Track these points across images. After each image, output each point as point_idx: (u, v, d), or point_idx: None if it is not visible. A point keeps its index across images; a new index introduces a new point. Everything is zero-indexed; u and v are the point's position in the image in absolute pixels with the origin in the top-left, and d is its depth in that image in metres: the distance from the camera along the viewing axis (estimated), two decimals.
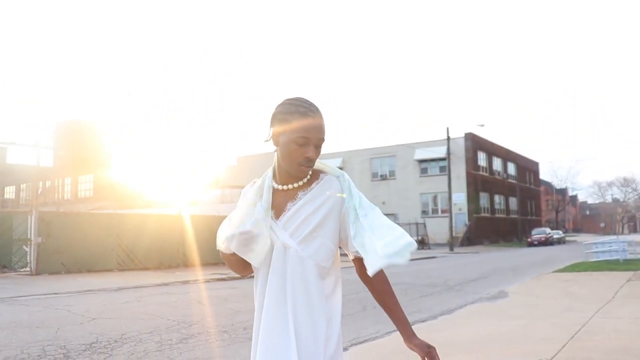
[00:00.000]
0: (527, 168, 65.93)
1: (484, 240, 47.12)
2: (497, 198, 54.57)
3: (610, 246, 19.55)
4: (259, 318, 1.83)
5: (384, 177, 49.85)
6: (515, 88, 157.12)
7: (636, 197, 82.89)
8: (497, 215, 54.10)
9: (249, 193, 1.92)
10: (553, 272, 15.96)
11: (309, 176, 1.85)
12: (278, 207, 1.83)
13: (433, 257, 27.54)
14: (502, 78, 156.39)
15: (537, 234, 48.82)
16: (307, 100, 1.83)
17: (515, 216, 58.51)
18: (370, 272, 1.74)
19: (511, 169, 59.77)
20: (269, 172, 1.89)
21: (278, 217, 1.82)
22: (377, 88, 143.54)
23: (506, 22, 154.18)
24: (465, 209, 46.92)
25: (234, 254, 1.83)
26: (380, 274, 1.79)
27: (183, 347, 6.42)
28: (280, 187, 1.85)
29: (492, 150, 54.21)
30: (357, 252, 1.80)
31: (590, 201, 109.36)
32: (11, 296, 11.15)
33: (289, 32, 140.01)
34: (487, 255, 30.12)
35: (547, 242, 46.86)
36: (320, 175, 1.86)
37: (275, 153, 1.86)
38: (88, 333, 7.20)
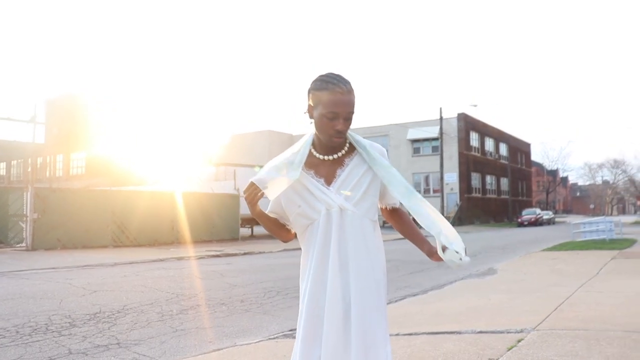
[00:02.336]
0: (519, 149, 66.35)
1: (475, 220, 47.62)
2: (488, 178, 55.02)
3: (598, 226, 19.91)
4: (316, 275, 2.00)
5: None
6: (508, 69, 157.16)
7: (625, 179, 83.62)
8: (488, 196, 54.59)
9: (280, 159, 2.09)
10: (541, 250, 16.32)
11: (348, 144, 2.07)
12: (327, 175, 2.04)
13: (425, 236, 27.90)
14: (495, 59, 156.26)
15: (527, 214, 49.38)
16: (338, 76, 1.99)
17: (506, 197, 59.06)
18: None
19: (503, 149, 60.15)
20: (307, 141, 2.09)
21: (330, 184, 2.02)
22: (370, 67, 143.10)
23: (499, 4, 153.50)
24: (457, 189, 47.34)
25: (268, 221, 2.13)
26: (406, 214, 2.16)
27: (184, 317, 6.68)
28: (324, 157, 2.05)
29: (485, 130, 54.50)
30: (394, 204, 2.14)
31: (580, 183, 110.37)
32: (11, 270, 11.37)
33: (282, 10, 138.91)
34: (477, 235, 30.53)
35: (537, 222, 47.43)
36: (356, 140, 2.09)
37: (312, 125, 2.05)
38: (91, 304, 7.45)
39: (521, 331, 5.22)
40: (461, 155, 48.17)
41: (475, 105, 44.44)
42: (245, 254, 16.66)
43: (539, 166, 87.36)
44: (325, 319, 1.95)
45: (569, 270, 10.61)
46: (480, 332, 5.31)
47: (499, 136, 58.96)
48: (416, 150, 49.55)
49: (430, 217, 2.02)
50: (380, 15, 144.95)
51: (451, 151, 47.43)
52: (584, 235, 19.90)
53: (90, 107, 42.37)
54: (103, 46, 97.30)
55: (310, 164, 2.05)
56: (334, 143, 2.02)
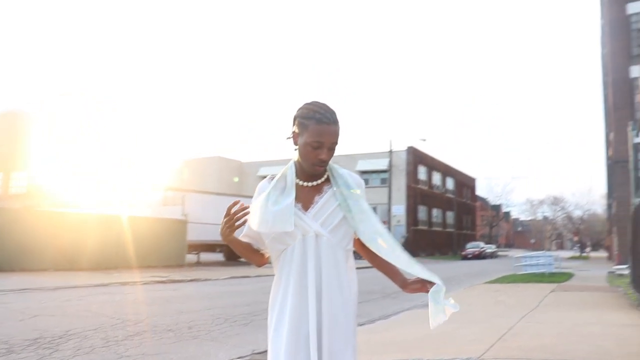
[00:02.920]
0: (465, 183, 68.15)
1: (420, 252, 48.34)
2: (435, 211, 56.16)
3: (538, 260, 20.60)
4: (285, 300, 2.00)
5: None
6: (457, 105, 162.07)
7: (564, 215, 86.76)
8: (434, 229, 55.64)
9: (267, 188, 2.09)
10: (484, 283, 16.75)
11: (327, 172, 2.10)
12: (305, 200, 2.04)
13: (369, 267, 28.09)
14: (445, 95, 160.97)
15: (471, 247, 50.52)
16: (324, 106, 2.03)
17: (452, 230, 60.33)
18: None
19: (449, 183, 61.64)
20: (290, 170, 2.09)
21: (307, 210, 2.03)
22: (322, 98, 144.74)
23: (448, 42, 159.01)
24: (403, 221, 48.07)
25: (243, 247, 2.12)
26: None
27: (129, 343, 6.52)
28: (304, 183, 2.07)
29: (432, 164, 55.81)
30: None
31: (522, 218, 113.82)
32: None
33: (232, 36, 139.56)
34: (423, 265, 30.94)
35: (481, 255, 48.55)
36: (334, 169, 2.11)
37: (296, 152, 2.07)
38: (30, 329, 7.17)
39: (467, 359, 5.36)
40: (409, 188, 49.10)
41: (424, 140, 45.50)
42: (191, 280, 16.38)
43: (484, 201, 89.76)
44: (308, 346, 1.93)
45: (511, 302, 10.93)
46: None
47: (446, 170, 60.46)
48: (365, 182, 49.84)
49: (401, 260, 2.06)
50: (333, 47, 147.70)
51: (399, 184, 48.29)
52: (525, 268, 20.52)
53: (34, 125, 41.10)
54: (52, 63, 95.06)
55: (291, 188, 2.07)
56: (316, 171, 2.04)
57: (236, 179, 51.67)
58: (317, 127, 1.96)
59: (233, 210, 2.00)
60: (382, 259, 2.14)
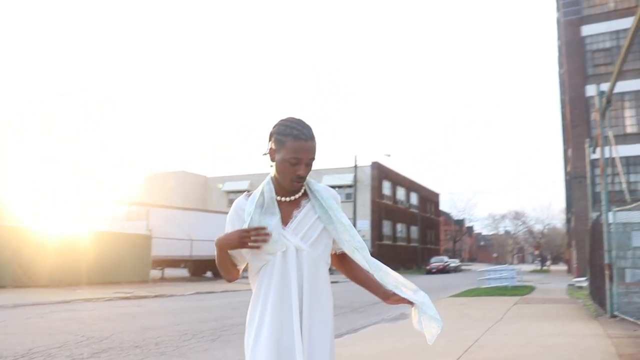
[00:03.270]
0: (428, 198, 69.07)
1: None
2: (399, 226, 56.70)
3: (501, 274, 21.05)
4: (264, 314, 1.99)
5: None
6: (421, 121, 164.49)
7: (525, 229, 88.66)
8: (398, 243, 56.13)
9: (246, 205, 2.09)
10: (449, 296, 16.98)
11: (305, 187, 2.12)
12: (284, 215, 2.05)
13: (336, 282, 28.18)
14: (410, 110, 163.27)
15: (435, 262, 51.14)
16: (300, 122, 2.04)
17: (416, 244, 60.97)
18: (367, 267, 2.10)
19: (413, 198, 62.39)
20: (268, 186, 2.10)
21: (286, 224, 2.05)
22: (287, 113, 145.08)
23: (412, 57, 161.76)
24: (368, 236, 48.37)
25: (227, 259, 2.08)
26: (356, 264, 2.17)
27: None
28: (283, 198, 2.08)
29: (397, 180, 56.45)
30: (342, 248, 2.13)
31: (485, 232, 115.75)
32: None
33: (188, 53, 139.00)
34: None
35: (445, 270, 49.16)
36: (310, 184, 2.14)
37: (272, 168, 2.07)
38: None
39: None
40: (374, 203, 49.50)
41: (389, 155, 46.02)
42: (156, 296, 16.14)
43: (447, 215, 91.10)
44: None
45: (476, 315, 11.12)
46: None
47: (410, 186, 61.21)
48: None
49: (382, 271, 2.12)
50: (297, 60, 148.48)
51: (364, 199, 48.65)
52: (489, 282, 20.92)
53: None
54: (10, 73, 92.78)
55: (269, 204, 2.08)
56: (294, 187, 2.06)
57: (196, 191, 51.21)
58: (294, 144, 1.97)
59: (255, 231, 1.97)
60: (360, 273, 2.20)
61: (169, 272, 28.11)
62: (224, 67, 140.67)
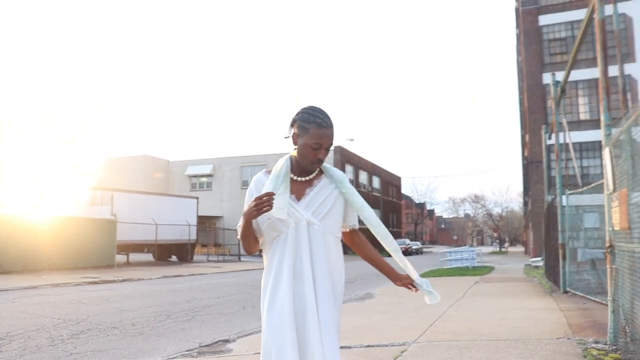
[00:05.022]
0: (391, 182, 70.00)
1: (348, 250, 49.02)
2: None
3: (462, 255, 21.81)
4: (278, 283, 2.22)
5: None
6: (383, 106, 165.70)
7: (484, 212, 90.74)
8: (361, 226, 56.40)
9: (265, 180, 2.34)
10: None
11: (318, 169, 2.37)
12: (298, 192, 2.32)
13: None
14: (371, 94, 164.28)
15: (398, 244, 51.96)
16: (322, 111, 2.30)
17: None
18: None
19: (376, 182, 63.15)
20: (285, 164, 2.34)
21: (299, 200, 2.30)
22: (249, 96, 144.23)
23: (377, 47, 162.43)
24: None
25: (250, 231, 2.27)
26: (365, 239, 2.52)
27: (76, 341, 6.59)
28: (298, 178, 2.35)
29: (360, 164, 57.03)
30: (353, 225, 2.46)
31: (445, 215, 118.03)
32: None
33: (160, 39, 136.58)
34: (353, 263, 31.64)
35: (407, 252, 50.14)
36: (327, 168, 2.40)
37: (294, 150, 2.33)
38: None
39: (404, 344, 5.86)
40: None
41: (352, 140, 46.51)
42: (124, 280, 16.21)
43: (408, 199, 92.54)
44: (299, 322, 2.18)
45: (439, 294, 11.63)
46: (368, 345, 5.88)
47: (372, 170, 61.91)
48: None
49: (396, 249, 2.46)
50: (263, 44, 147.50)
51: None
52: (450, 263, 21.64)
53: None
54: None
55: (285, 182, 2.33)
56: (314, 169, 2.32)
57: (159, 175, 50.67)
58: (317, 131, 2.23)
59: (264, 197, 2.16)
60: (371, 251, 2.53)
61: (134, 257, 28.02)
62: (217, 63, 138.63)
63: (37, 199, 22.27)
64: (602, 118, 5.64)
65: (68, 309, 9.43)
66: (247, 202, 2.29)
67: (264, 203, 2.13)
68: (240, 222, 2.27)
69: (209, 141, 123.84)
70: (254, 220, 2.25)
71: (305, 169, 2.35)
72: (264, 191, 2.23)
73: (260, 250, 2.43)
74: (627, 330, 4.85)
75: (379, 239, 2.46)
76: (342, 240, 2.49)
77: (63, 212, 21.57)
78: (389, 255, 2.58)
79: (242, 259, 34.27)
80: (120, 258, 25.21)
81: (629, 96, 27.68)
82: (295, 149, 2.35)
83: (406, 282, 2.50)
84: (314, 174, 2.38)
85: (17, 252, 18.29)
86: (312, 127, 2.24)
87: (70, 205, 23.26)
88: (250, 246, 2.35)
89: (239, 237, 2.33)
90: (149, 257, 29.67)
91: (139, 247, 27.37)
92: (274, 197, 2.16)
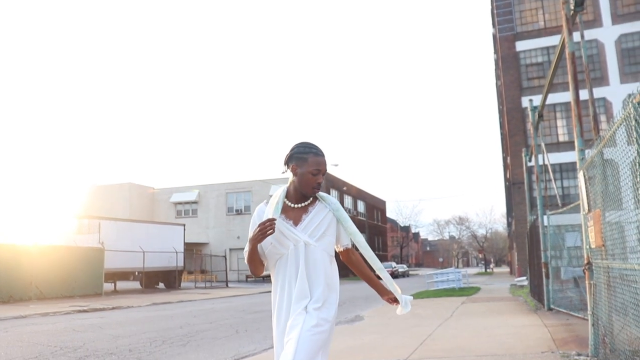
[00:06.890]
0: (375, 206, 70.43)
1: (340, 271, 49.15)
2: None
3: (448, 276, 22.08)
4: (281, 299, 2.61)
5: (239, 212, 49.74)
6: (368, 132, 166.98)
7: (469, 234, 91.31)
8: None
9: (266, 209, 2.71)
10: None
11: (311, 198, 2.73)
12: (295, 218, 2.67)
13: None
14: (355, 120, 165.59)
15: (384, 267, 52.17)
16: (314, 144, 2.72)
17: None
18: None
19: (361, 206, 63.52)
20: (282, 194, 2.73)
21: (297, 225, 2.65)
22: (234, 123, 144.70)
23: (359, 69, 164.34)
24: None
25: (257, 255, 2.64)
26: (359, 257, 2.87)
27: None
28: (294, 205, 2.70)
29: (344, 188, 57.42)
30: (347, 245, 2.80)
31: (430, 238, 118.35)
32: None
33: (142, 71, 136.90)
34: (341, 287, 31.70)
35: (393, 275, 50.22)
36: (319, 196, 2.76)
37: (292, 180, 2.68)
38: None
39: None
40: None
41: (336, 165, 46.99)
42: (113, 308, 16.23)
43: (393, 222, 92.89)
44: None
45: (427, 314, 11.90)
46: None
47: (357, 194, 62.30)
48: None
49: (381, 268, 2.86)
50: (239, 76, 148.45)
51: None
52: (437, 284, 21.90)
53: None
54: None
55: (282, 210, 2.69)
56: (313, 194, 2.70)
57: (144, 202, 50.54)
58: (315, 159, 2.64)
59: (267, 222, 2.51)
60: (364, 269, 2.91)
61: (121, 284, 27.91)
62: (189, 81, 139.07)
63: (23, 228, 22.23)
64: (576, 143, 6.03)
65: (63, 336, 9.51)
66: (252, 229, 2.61)
67: (267, 227, 2.47)
68: (247, 248, 2.61)
69: (193, 168, 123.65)
70: (259, 245, 2.60)
71: (307, 195, 2.70)
72: (264, 218, 2.60)
73: (263, 277, 2.85)
74: (607, 341, 5.16)
75: (368, 260, 2.87)
76: (341, 260, 2.90)
77: (50, 241, 21.55)
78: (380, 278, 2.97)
79: (229, 284, 34.22)
80: (108, 286, 25.12)
81: (604, 118, 28.52)
82: (293, 180, 2.70)
83: (390, 296, 2.93)
84: (309, 201, 2.73)
85: (4, 281, 18.20)
86: (310, 156, 2.64)
87: (57, 233, 23.23)
88: (257, 268, 2.71)
89: (246, 261, 2.67)
90: (135, 284, 29.55)
91: (125, 275, 27.31)
92: (275, 221, 2.52)
